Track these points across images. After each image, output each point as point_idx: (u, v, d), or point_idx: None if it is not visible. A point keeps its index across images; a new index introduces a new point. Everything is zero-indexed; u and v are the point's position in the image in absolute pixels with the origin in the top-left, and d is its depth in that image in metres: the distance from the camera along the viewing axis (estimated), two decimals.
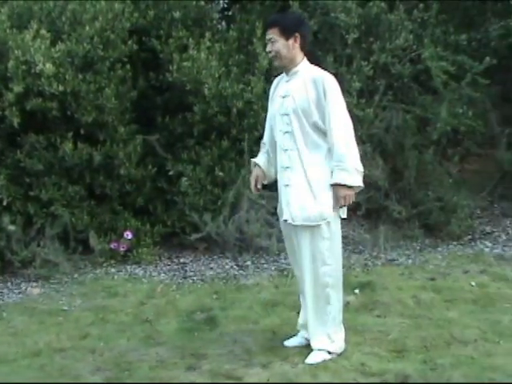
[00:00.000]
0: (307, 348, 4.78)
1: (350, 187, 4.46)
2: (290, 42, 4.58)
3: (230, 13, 8.36)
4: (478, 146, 8.25)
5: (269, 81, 7.16)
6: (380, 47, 7.49)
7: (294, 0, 7.51)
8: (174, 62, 7.06)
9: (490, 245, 7.28)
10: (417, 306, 5.61)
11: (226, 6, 8.46)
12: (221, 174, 7.11)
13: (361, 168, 4.52)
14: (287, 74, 4.70)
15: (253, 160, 5.00)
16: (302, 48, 4.64)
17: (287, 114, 4.61)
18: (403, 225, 7.51)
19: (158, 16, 7.34)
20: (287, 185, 4.63)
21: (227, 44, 7.45)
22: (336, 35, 7.57)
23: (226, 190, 7.13)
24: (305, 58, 4.68)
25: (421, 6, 7.73)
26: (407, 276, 6.40)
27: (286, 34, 4.56)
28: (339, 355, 4.63)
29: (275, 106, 4.75)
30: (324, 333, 4.64)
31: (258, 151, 6.97)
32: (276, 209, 4.96)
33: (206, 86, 6.92)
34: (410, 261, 6.90)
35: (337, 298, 4.66)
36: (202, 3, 7.54)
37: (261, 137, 6.87)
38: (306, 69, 4.66)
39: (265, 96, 7.08)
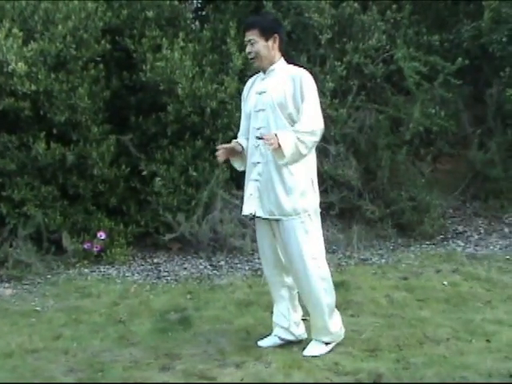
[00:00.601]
0: (280, 347, 4.80)
1: (279, 144, 4.39)
2: (270, 42, 4.62)
3: (204, 13, 8.35)
4: (450, 146, 8.30)
5: (243, 81, 7.17)
6: (353, 47, 7.52)
7: (268, 0, 7.53)
8: (147, 62, 7.05)
9: (462, 244, 7.34)
10: (390, 305, 5.64)
11: (199, 5, 8.45)
12: (194, 174, 7.10)
13: (296, 153, 4.46)
14: (264, 72, 4.72)
15: (234, 140, 4.93)
16: (280, 48, 4.69)
17: (263, 110, 4.63)
18: (376, 224, 7.54)
19: (131, 15, 7.32)
20: (256, 180, 4.65)
21: (201, 44, 7.44)
22: (309, 35, 7.59)
23: (200, 190, 7.13)
24: (282, 58, 4.72)
25: (394, 6, 7.77)
26: (380, 275, 6.43)
27: (266, 34, 4.61)
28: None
29: (250, 103, 4.77)
30: (322, 325, 4.71)
31: None
32: None
33: (180, 85, 6.91)
34: (383, 260, 6.93)
35: (329, 288, 4.70)
36: (176, 3, 7.53)
37: (235, 137, 6.91)
38: (283, 67, 4.70)
39: (239, 96, 7.09)
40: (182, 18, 7.68)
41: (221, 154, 4.79)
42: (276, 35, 4.63)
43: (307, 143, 4.47)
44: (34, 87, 6.57)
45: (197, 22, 7.91)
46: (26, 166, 6.92)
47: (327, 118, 7.34)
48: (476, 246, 7.29)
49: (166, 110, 7.10)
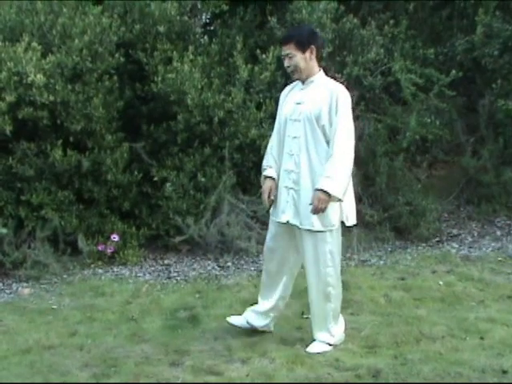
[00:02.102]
0: (284, 344, 4.79)
1: (329, 195, 4.42)
2: (307, 54, 4.56)
3: (212, 28, 8.34)
4: (444, 153, 8.29)
5: (248, 92, 7.19)
6: (353, 60, 7.49)
7: (272, 15, 7.52)
8: (158, 74, 7.02)
9: (456, 246, 7.30)
10: (388, 304, 5.62)
11: (208, 21, 8.44)
12: (203, 179, 7.08)
13: (346, 183, 4.48)
14: (303, 82, 4.67)
15: (264, 174, 4.82)
16: (318, 59, 4.63)
17: (299, 121, 4.58)
18: (375, 228, 7.51)
19: (143, 30, 7.30)
20: (291, 188, 4.61)
21: (209, 57, 7.42)
22: None
23: (208, 194, 7.10)
24: (321, 69, 4.67)
25: (391, 22, 7.76)
26: (379, 276, 6.40)
27: (302, 47, 4.54)
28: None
29: (286, 111, 4.70)
30: (325, 328, 4.72)
31: (238, 158, 7.02)
32: (255, 212, 4.94)
33: (189, 96, 6.89)
34: (381, 262, 6.90)
35: (336, 295, 4.71)
36: (186, 18, 7.51)
37: (241, 144, 6.91)
38: (322, 79, 4.63)
39: (245, 106, 7.10)
40: (192, 33, 7.67)
41: (268, 200, 4.76)
42: (313, 47, 4.57)
43: (348, 169, 4.49)
44: (51, 98, 6.55)
45: (205, 37, 7.88)
46: (44, 171, 6.90)
47: None
48: (470, 248, 7.25)
49: (176, 119, 7.08)
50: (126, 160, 7.11)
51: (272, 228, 4.83)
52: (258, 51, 7.31)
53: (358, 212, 7.38)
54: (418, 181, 7.90)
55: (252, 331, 5.01)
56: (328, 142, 4.51)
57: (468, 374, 4.25)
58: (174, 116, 7.11)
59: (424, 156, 8.13)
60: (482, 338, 4.84)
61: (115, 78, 7.15)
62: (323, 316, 4.70)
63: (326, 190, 4.38)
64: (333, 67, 7.47)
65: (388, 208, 7.58)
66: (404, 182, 7.76)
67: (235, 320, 4.98)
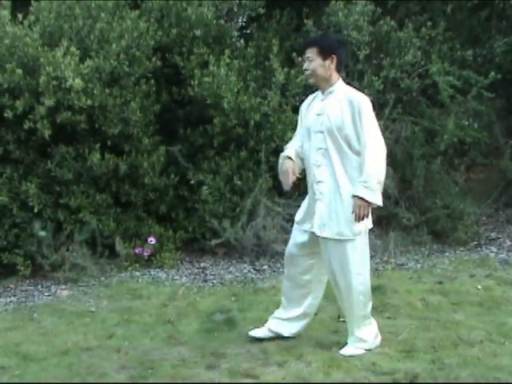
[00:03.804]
0: (321, 347, 4.78)
1: (368, 202, 4.44)
2: (327, 62, 4.58)
3: (248, 31, 8.36)
4: (483, 156, 8.20)
5: (284, 95, 7.19)
6: (390, 63, 7.46)
7: (308, 18, 7.51)
8: (195, 78, 7.06)
9: (495, 250, 7.22)
10: (425, 308, 5.58)
11: (244, 24, 8.45)
12: (239, 182, 7.10)
13: (381, 188, 4.50)
14: (323, 92, 4.69)
15: (282, 154, 4.87)
16: (338, 69, 4.65)
17: (321, 132, 4.60)
18: (412, 231, 7.46)
19: (180, 34, 7.34)
20: (318, 199, 4.62)
21: (245, 60, 7.44)
22: (348, 51, 7.53)
23: (244, 197, 7.11)
24: (340, 79, 4.68)
25: (428, 23, 7.70)
26: (416, 280, 6.35)
27: (324, 54, 4.57)
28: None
29: (309, 121, 4.73)
30: (358, 334, 4.72)
31: (274, 161, 7.02)
32: (291, 215, 4.95)
33: (226, 99, 6.91)
34: (418, 265, 6.85)
35: (367, 302, 4.71)
36: (222, 22, 7.54)
37: (277, 147, 6.90)
38: (341, 89, 4.64)
39: (280, 109, 7.10)
40: (228, 36, 7.70)
41: (290, 180, 4.75)
42: (334, 56, 4.58)
43: (381, 178, 4.51)
44: (89, 102, 6.61)
45: (241, 40, 7.91)
46: (82, 175, 6.97)
47: None
48: (509, 251, 7.17)
49: (213, 122, 7.11)
50: (162, 163, 7.15)
51: (296, 235, 4.85)
52: (294, 54, 7.31)
53: (395, 215, 7.45)
54: (455, 184, 7.83)
55: None
56: (354, 153, 4.54)
57: (506, 379, 4.21)
58: (211, 119, 7.15)
59: (462, 159, 8.06)
60: None
61: (152, 81, 7.21)
62: (356, 323, 4.70)
63: (362, 196, 4.41)
64: (369, 70, 7.45)
65: (425, 211, 7.53)
66: (441, 185, 7.70)
67: (257, 333, 4.98)
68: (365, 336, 4.71)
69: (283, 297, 5.00)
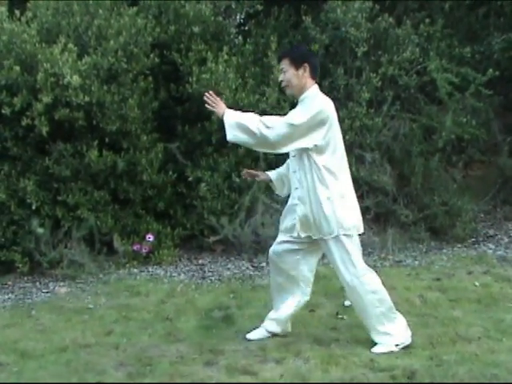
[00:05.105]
0: (319, 344, 4.79)
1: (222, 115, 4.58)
2: (300, 71, 4.66)
3: (247, 28, 8.36)
4: (481, 153, 8.22)
5: (283, 92, 7.17)
6: (388, 60, 7.47)
7: (307, 15, 7.51)
8: (193, 74, 7.06)
9: (492, 247, 7.24)
10: (423, 305, 5.59)
11: (242, 21, 8.46)
12: (237, 179, 7.10)
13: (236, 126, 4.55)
14: (297, 100, 4.75)
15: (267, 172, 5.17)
16: (313, 77, 4.71)
17: None
18: (410, 228, 7.47)
19: (178, 31, 7.34)
20: (296, 204, 4.71)
21: (243, 57, 7.45)
22: (346, 48, 7.54)
23: (242, 194, 7.12)
24: (314, 86, 4.72)
25: (427, 20, 7.71)
26: (414, 276, 6.36)
27: (296, 64, 4.66)
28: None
29: None
30: (382, 329, 4.71)
31: (272, 158, 7.03)
32: None
33: (224, 96, 6.90)
34: (416, 262, 6.86)
35: (382, 299, 4.72)
36: (220, 19, 7.55)
37: None
38: (312, 95, 4.66)
39: (279, 106, 7.10)
40: (226, 33, 7.71)
41: (245, 174, 5.18)
42: (306, 64, 4.65)
43: (255, 129, 4.50)
44: (87, 99, 6.61)
45: (240, 37, 7.91)
46: (80, 172, 6.97)
47: (363, 127, 7.33)
48: (506, 248, 7.18)
49: (211, 119, 7.11)
50: (160, 160, 7.16)
51: (281, 235, 4.93)
52: None
53: (393, 212, 7.46)
54: (453, 181, 7.84)
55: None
56: (320, 155, 4.57)
57: (504, 376, 4.21)
58: (209, 116, 7.14)
59: (460, 156, 8.07)
60: None
61: (150, 78, 7.22)
62: (375, 323, 4.70)
63: (223, 114, 4.60)
64: (367, 67, 7.45)
65: (423, 208, 7.54)
66: (440, 182, 7.71)
67: (254, 335, 5.00)
68: (389, 330, 4.70)
69: (272, 297, 5.04)
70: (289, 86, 4.70)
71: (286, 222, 4.84)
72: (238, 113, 4.62)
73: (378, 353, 4.63)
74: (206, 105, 4.61)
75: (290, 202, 4.83)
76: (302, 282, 4.90)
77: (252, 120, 4.52)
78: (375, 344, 4.70)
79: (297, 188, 4.72)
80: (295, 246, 4.81)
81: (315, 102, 4.59)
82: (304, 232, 4.69)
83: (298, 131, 4.48)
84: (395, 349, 4.66)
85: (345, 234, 4.58)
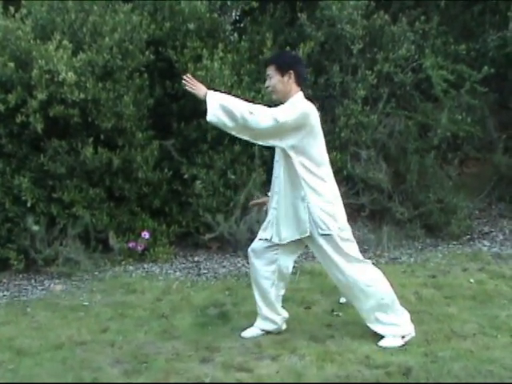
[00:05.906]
0: (314, 341, 4.80)
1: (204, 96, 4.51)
2: (285, 78, 4.69)
3: (242, 25, 8.36)
4: (476, 150, 8.24)
5: None
6: (383, 57, 7.48)
7: (302, 12, 7.52)
8: (188, 71, 7.03)
9: (487, 244, 7.26)
10: (418, 301, 5.61)
11: (237, 18, 8.46)
12: (233, 177, 7.11)
13: (218, 115, 4.51)
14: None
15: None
16: (299, 83, 4.73)
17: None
18: (405, 225, 7.50)
19: (173, 28, 7.34)
20: (275, 208, 4.77)
21: (239, 54, 7.45)
22: (342, 45, 7.56)
23: (238, 192, 7.13)
24: (299, 93, 4.74)
25: (422, 18, 7.73)
26: (409, 273, 6.39)
27: (281, 70, 4.68)
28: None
29: None
30: (388, 321, 4.75)
31: (268, 155, 7.04)
32: None
33: None
34: (411, 259, 6.89)
35: (382, 290, 4.76)
36: (216, 16, 7.54)
37: None
38: (297, 101, 4.67)
39: (273, 104, 7.09)
40: (222, 30, 7.70)
41: (253, 205, 5.33)
42: (291, 71, 4.67)
43: (238, 113, 4.45)
44: (82, 95, 6.61)
45: (235, 34, 7.91)
46: (75, 169, 6.97)
47: (359, 124, 7.34)
48: (501, 245, 7.22)
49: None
50: (156, 158, 7.16)
51: (260, 234, 4.96)
52: (288, 48, 7.32)
53: (389, 209, 7.48)
54: (449, 178, 7.86)
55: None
56: (302, 166, 4.61)
57: (499, 373, 4.23)
58: (204, 113, 7.12)
59: (455, 153, 8.09)
60: None
61: (145, 75, 7.21)
62: (382, 313, 4.74)
63: (205, 96, 4.52)
64: (363, 64, 7.47)
65: (419, 205, 7.57)
66: (435, 179, 7.73)
67: (249, 333, 5.02)
68: (395, 320, 4.74)
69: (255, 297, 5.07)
70: (274, 91, 4.74)
71: (265, 224, 4.90)
72: (223, 94, 4.58)
73: (385, 346, 4.66)
74: (186, 87, 4.58)
75: (270, 205, 4.88)
76: (278, 279, 4.93)
77: (237, 104, 4.47)
78: (382, 337, 4.74)
79: (276, 192, 4.78)
80: (272, 243, 4.84)
81: (301, 105, 4.62)
82: (277, 236, 4.73)
83: (279, 128, 4.49)
84: (401, 342, 4.69)
85: (324, 234, 4.62)
